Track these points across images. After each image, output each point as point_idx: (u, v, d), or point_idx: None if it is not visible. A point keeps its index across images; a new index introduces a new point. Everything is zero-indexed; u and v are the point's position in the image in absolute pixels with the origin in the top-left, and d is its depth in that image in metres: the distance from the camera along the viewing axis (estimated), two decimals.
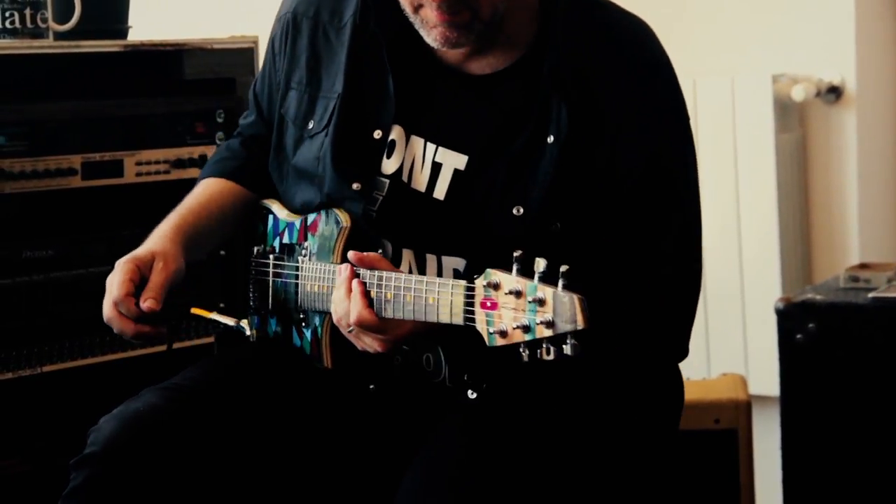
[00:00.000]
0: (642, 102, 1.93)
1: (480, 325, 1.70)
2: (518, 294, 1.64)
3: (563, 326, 1.60)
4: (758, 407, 2.91)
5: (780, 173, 3.49)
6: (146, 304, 1.97)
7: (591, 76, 1.92)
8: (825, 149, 3.57)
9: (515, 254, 1.66)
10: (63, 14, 2.65)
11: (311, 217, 2.04)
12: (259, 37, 2.79)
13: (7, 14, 2.57)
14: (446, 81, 1.98)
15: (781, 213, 3.50)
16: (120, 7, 2.78)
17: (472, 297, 1.71)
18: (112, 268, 2.56)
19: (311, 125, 2.05)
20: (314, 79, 2.06)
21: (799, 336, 2.73)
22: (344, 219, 1.98)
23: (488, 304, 1.68)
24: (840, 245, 3.56)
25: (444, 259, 1.96)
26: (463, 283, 1.73)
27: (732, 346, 3.54)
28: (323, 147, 2.01)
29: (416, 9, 1.90)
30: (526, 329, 1.64)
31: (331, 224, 1.99)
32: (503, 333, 1.67)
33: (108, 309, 2.00)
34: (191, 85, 2.72)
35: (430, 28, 1.90)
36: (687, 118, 1.99)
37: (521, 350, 1.66)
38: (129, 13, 2.80)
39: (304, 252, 2.03)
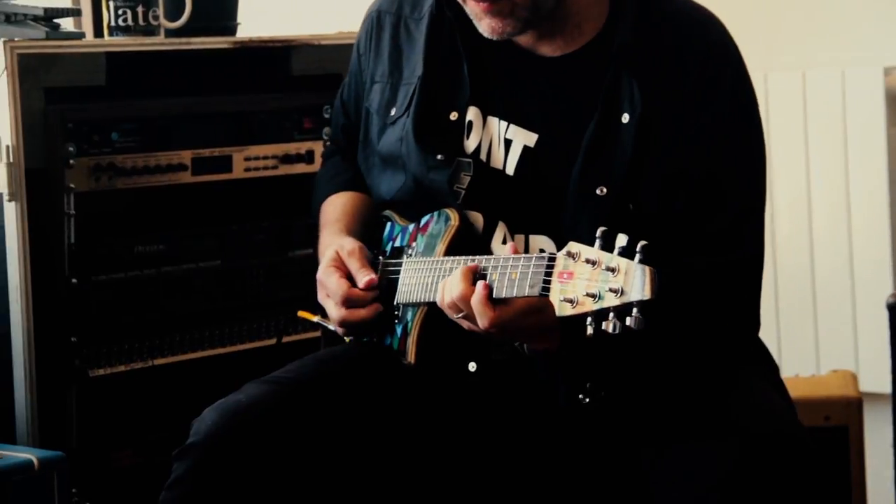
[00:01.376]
0: (710, 83, 1.98)
1: (553, 295, 1.73)
2: (594, 263, 1.68)
3: (631, 295, 1.64)
4: (869, 404, 2.87)
5: (891, 167, 3.44)
6: (363, 281, 2.04)
7: (659, 56, 1.98)
8: None
9: (599, 230, 1.70)
10: (174, 11, 2.68)
11: (423, 219, 2.07)
12: None
13: (120, 12, 2.61)
14: (518, 63, 2.05)
15: (893, 207, 3.45)
16: (229, 4, 2.81)
17: (552, 268, 1.74)
18: (221, 262, 2.61)
19: (393, 112, 2.13)
20: (396, 70, 2.16)
21: None
22: (454, 217, 2.01)
23: (565, 275, 1.72)
24: None
25: (532, 238, 2.00)
26: (546, 254, 1.77)
27: (843, 342, 3.50)
28: (405, 128, 2.09)
29: (465, 2, 1.99)
30: (594, 297, 1.67)
31: (440, 223, 2.02)
32: (572, 302, 1.70)
33: (337, 312, 2.05)
34: (298, 81, 2.73)
35: (478, 20, 1.99)
36: (753, 101, 2.04)
37: (587, 322, 1.69)
38: (237, 10, 2.82)
39: (410, 252, 2.07)
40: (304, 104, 2.72)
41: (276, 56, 2.72)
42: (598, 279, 1.68)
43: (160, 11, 2.64)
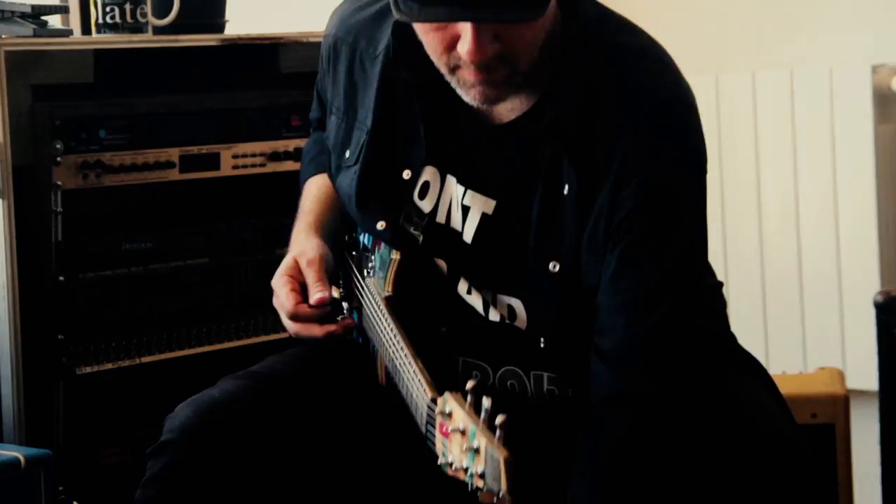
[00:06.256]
0: (643, 153, 1.84)
1: (438, 448, 1.65)
2: (462, 433, 1.57)
3: (491, 484, 1.52)
4: (856, 401, 2.87)
5: (879, 165, 3.45)
6: (314, 298, 1.97)
7: (594, 125, 1.85)
8: None
9: (469, 383, 1.59)
10: (162, 9, 2.68)
11: None
12: None
13: (108, 9, 2.60)
14: (473, 124, 1.94)
15: (880, 205, 3.45)
16: (217, 2, 2.81)
17: (434, 418, 1.67)
18: (209, 259, 2.61)
19: (347, 155, 2.05)
20: (350, 108, 2.06)
21: None
22: (395, 252, 1.97)
23: (445, 428, 1.63)
24: None
25: (499, 297, 1.94)
26: (428, 398, 1.69)
27: (830, 339, 3.50)
28: (352, 184, 2.01)
29: (453, 70, 1.84)
30: (466, 471, 1.57)
31: (385, 251, 2.00)
32: (451, 466, 1.61)
33: (289, 325, 2.02)
34: (287, 78, 2.73)
35: (468, 88, 1.84)
36: (695, 162, 1.88)
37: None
38: (226, 7, 2.82)
39: (370, 265, 2.04)
40: (292, 102, 2.72)
41: (264, 53, 2.72)
42: (466, 456, 1.56)
43: (148, 9, 2.63)
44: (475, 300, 1.95)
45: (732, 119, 3.58)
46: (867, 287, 3.30)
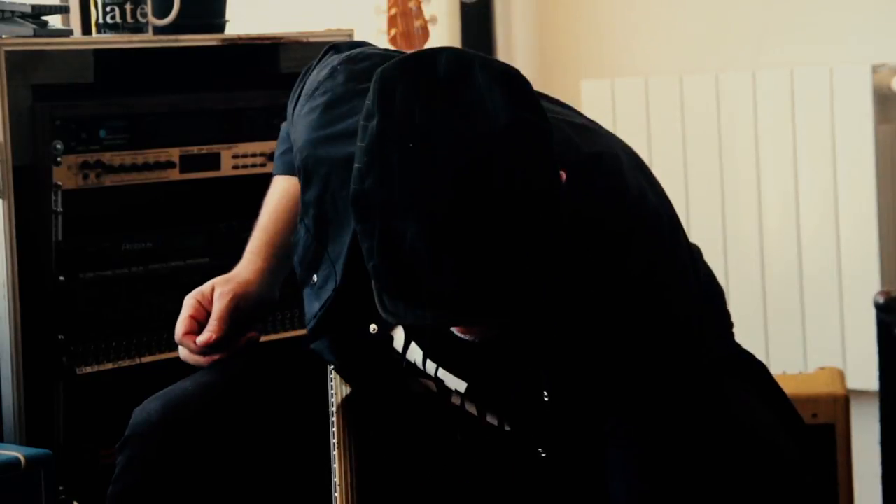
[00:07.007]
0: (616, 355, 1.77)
1: None
2: None
3: None
4: (856, 401, 2.88)
5: (879, 165, 3.45)
6: (200, 337, 1.96)
7: (567, 335, 1.77)
8: None
9: None
10: (162, 9, 2.68)
11: None
12: (354, 30, 2.80)
13: (108, 9, 2.60)
14: None
15: (880, 205, 3.46)
16: (217, 2, 2.81)
17: None
18: (209, 259, 2.61)
19: (315, 279, 1.92)
20: (322, 235, 1.90)
21: None
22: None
23: None
24: None
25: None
26: None
27: (830, 339, 3.51)
28: (308, 326, 1.94)
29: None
30: None
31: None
32: None
33: (179, 349, 2.02)
34: (287, 78, 2.72)
35: (459, 332, 1.74)
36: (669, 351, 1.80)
37: None
38: (226, 7, 2.82)
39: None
40: None
41: (264, 53, 2.72)
42: None
43: (148, 9, 2.63)
44: (469, 408, 1.92)
45: (732, 119, 3.58)
46: (867, 287, 3.31)
